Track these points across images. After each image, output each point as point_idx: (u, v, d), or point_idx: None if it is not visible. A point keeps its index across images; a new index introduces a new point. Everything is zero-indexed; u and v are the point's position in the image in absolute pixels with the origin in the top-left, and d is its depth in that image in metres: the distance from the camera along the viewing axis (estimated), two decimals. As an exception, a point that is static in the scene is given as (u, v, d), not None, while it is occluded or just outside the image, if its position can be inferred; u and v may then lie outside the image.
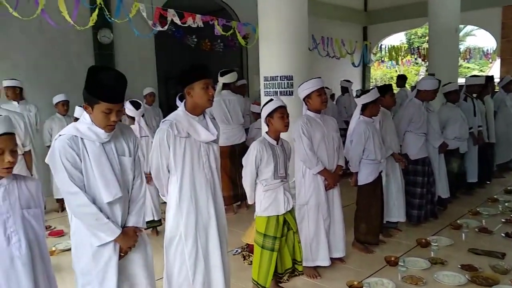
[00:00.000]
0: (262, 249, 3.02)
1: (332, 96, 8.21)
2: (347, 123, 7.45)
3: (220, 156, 2.70)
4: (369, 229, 4.02)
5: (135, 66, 7.27)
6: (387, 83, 16.17)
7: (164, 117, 2.63)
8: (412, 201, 4.65)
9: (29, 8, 4.00)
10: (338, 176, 3.58)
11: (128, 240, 2.16)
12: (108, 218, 2.07)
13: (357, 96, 4.10)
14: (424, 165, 4.65)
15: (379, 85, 7.46)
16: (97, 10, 4.20)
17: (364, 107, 3.90)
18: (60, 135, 2.05)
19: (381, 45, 11.99)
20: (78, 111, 3.99)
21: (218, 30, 5.87)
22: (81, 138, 2.03)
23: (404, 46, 12.92)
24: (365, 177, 3.92)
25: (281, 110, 2.95)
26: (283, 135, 3.14)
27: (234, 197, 5.41)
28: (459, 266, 3.55)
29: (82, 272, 2.14)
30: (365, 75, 12.99)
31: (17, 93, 5.34)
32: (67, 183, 2.01)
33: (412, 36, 23.62)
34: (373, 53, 11.85)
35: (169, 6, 6.59)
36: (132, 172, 2.22)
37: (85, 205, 2.02)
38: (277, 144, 3.02)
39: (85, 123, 2.06)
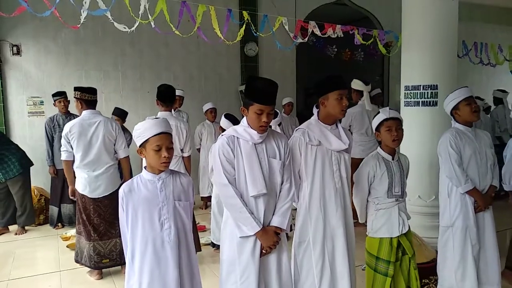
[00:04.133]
0: (375, 272, 2.79)
1: (488, 108, 7.36)
2: (500, 139, 6.68)
3: (352, 168, 2.67)
4: None
5: (276, 77, 7.49)
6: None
7: (301, 126, 2.71)
8: None
9: (187, 26, 4.55)
10: (490, 198, 3.15)
11: (267, 238, 2.29)
12: (251, 213, 2.27)
13: None
14: None
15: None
16: (244, 26, 4.55)
17: None
18: (222, 135, 2.38)
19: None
20: (224, 122, 4.38)
21: (358, 39, 5.80)
22: (237, 138, 2.32)
23: None
24: None
25: (388, 123, 2.69)
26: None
27: (367, 210, 5.24)
28: None
29: (227, 260, 2.37)
30: (529, 84, 11.34)
31: (179, 103, 6.07)
32: (220, 175, 2.29)
33: None
34: (539, 60, 10.26)
35: (311, 17, 6.76)
36: (281, 175, 2.38)
37: (232, 197, 2.27)
38: (393, 159, 2.78)
39: (242, 126, 2.36)
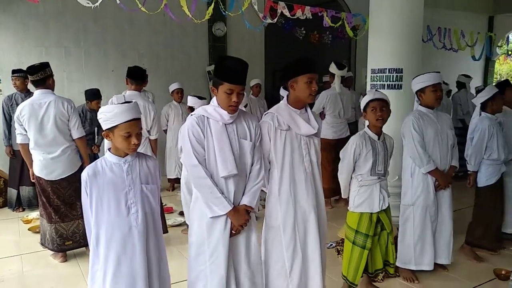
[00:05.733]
0: (353, 245, 2.96)
1: (449, 92, 7.63)
2: (463, 121, 6.97)
3: (324, 149, 2.68)
4: (486, 234, 3.77)
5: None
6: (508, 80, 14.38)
7: (269, 108, 2.70)
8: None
9: (154, 3, 4.40)
10: (450, 178, 3.33)
11: (239, 217, 2.29)
12: (222, 193, 2.26)
13: (479, 91, 3.81)
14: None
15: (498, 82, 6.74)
16: (213, 4, 4.46)
17: (484, 105, 3.68)
18: (192, 115, 2.33)
19: (508, 36, 10.74)
20: (190, 100, 4.36)
21: (327, 21, 5.82)
22: (207, 118, 2.28)
23: (538, 39, 11.38)
24: (485, 179, 3.67)
25: (373, 104, 2.84)
26: (387, 131, 3.03)
27: (333, 190, 5.37)
28: None
29: (196, 241, 2.35)
30: (487, 70, 11.79)
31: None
32: (190, 156, 2.25)
33: (551, 27, 20.65)
34: (499, 46, 10.66)
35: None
36: (251, 156, 2.36)
37: (202, 178, 2.24)
38: (379, 139, 2.92)
39: (212, 106, 2.31)
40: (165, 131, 6.27)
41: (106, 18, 6.53)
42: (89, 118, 5.27)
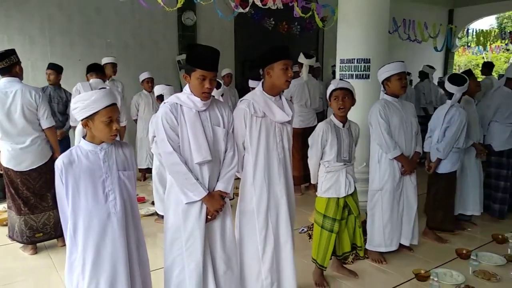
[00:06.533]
0: (321, 229, 3.06)
1: (410, 82, 7.91)
2: (425, 110, 7.26)
3: (293, 137, 2.77)
4: (446, 216, 3.98)
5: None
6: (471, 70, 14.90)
7: (240, 97, 2.74)
8: (495, 194, 4.48)
9: (123, -9, 4.34)
10: (415, 163, 3.50)
11: (214, 202, 2.34)
12: (197, 179, 2.30)
13: (441, 82, 3.98)
14: (509, 158, 4.42)
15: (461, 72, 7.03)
16: (184, -8, 4.43)
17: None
18: (165, 103, 2.35)
19: (467, 29, 11.17)
20: (158, 88, 4.34)
21: (298, 12, 5.87)
22: (181, 105, 2.31)
23: (494, 31, 11.88)
24: (450, 166, 3.86)
25: (335, 93, 2.94)
26: (355, 119, 3.14)
27: (303, 177, 5.50)
28: (539, 266, 3.35)
29: (172, 227, 2.38)
30: (447, 61, 12.23)
31: (112, 70, 5.81)
32: (164, 143, 2.28)
33: (505, 20, 21.60)
34: (459, 38, 11.06)
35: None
36: (225, 143, 2.42)
37: (177, 164, 2.27)
38: (343, 127, 3.01)
39: (185, 93, 2.34)
40: (135, 120, 6.20)
41: (71, 6, 6.35)
42: (48, 93, 5.04)
